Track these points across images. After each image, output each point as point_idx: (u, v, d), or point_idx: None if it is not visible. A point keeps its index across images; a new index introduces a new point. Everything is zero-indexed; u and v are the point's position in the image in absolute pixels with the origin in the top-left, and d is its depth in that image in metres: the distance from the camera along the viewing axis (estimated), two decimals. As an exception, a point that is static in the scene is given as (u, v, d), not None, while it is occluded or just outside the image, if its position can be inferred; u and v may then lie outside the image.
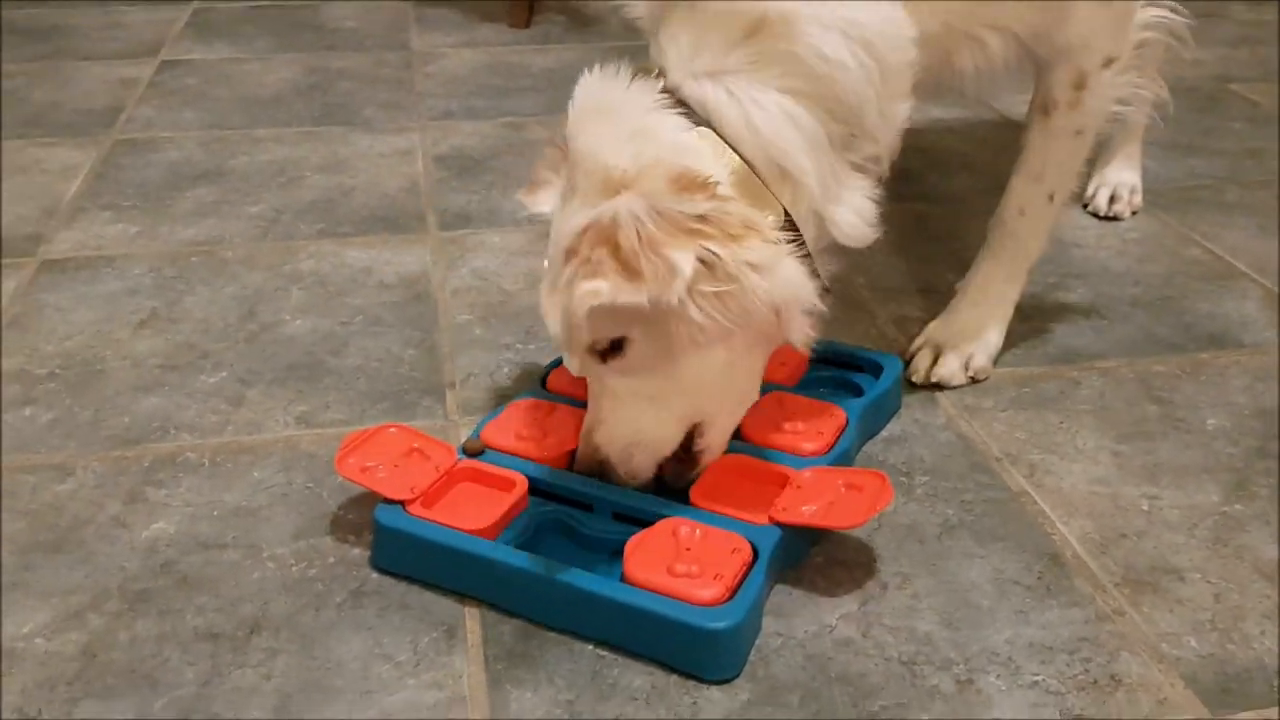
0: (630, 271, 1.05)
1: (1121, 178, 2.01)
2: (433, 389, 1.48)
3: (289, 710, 1.02)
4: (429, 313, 1.64)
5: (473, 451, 1.26)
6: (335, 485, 1.30)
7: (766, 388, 1.36)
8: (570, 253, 1.08)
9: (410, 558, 1.17)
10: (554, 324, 1.13)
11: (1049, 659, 1.07)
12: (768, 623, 1.11)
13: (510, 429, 1.30)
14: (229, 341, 1.59)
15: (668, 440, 1.20)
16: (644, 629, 1.06)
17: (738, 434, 1.28)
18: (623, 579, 1.09)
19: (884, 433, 1.40)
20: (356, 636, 1.10)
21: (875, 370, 1.44)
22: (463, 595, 1.14)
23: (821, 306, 1.16)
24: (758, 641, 1.09)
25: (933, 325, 1.56)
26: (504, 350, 1.57)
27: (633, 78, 1.18)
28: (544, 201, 1.25)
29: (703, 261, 1.06)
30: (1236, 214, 2.01)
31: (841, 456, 1.27)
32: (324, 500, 1.28)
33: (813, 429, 1.29)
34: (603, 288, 1.05)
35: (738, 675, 1.05)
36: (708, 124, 1.16)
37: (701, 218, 1.07)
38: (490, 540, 1.14)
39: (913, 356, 1.52)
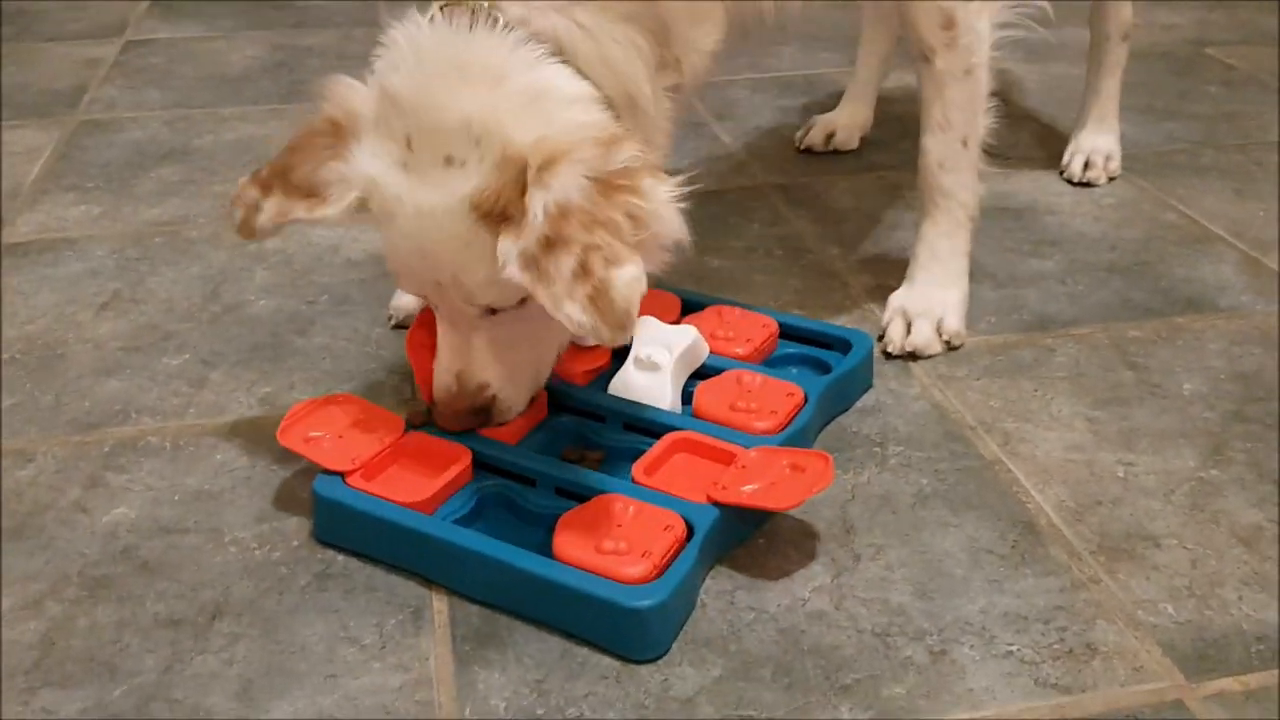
0: (640, 248, 1.02)
1: (1096, 144, 2.00)
2: (401, 367, 1.46)
3: (251, 695, 1.00)
4: (396, 291, 1.61)
5: (418, 422, 1.24)
6: (299, 468, 1.27)
7: (728, 364, 1.34)
8: (554, 240, 1.01)
9: (347, 530, 1.15)
10: (580, 316, 1.00)
11: (1024, 628, 1.06)
12: (740, 597, 1.10)
13: None
14: (192, 322, 1.56)
15: (549, 368, 1.25)
16: (569, 606, 1.04)
17: (691, 410, 1.29)
18: (552, 555, 1.07)
19: (858, 403, 1.38)
20: (321, 620, 1.08)
21: (844, 347, 1.42)
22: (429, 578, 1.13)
23: (689, 238, 1.11)
24: (729, 616, 1.07)
25: (895, 295, 1.53)
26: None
27: (471, 21, 1.10)
28: (338, 201, 1.14)
29: (629, 215, 1.03)
30: (1212, 178, 1.99)
31: (796, 436, 1.25)
32: (288, 483, 1.25)
33: (766, 407, 1.26)
34: (636, 273, 1.01)
35: (663, 655, 1.03)
36: (562, 58, 1.12)
37: (624, 171, 1.04)
38: (428, 514, 1.13)
39: (885, 329, 1.50)
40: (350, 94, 1.14)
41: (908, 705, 0.98)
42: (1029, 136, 2.17)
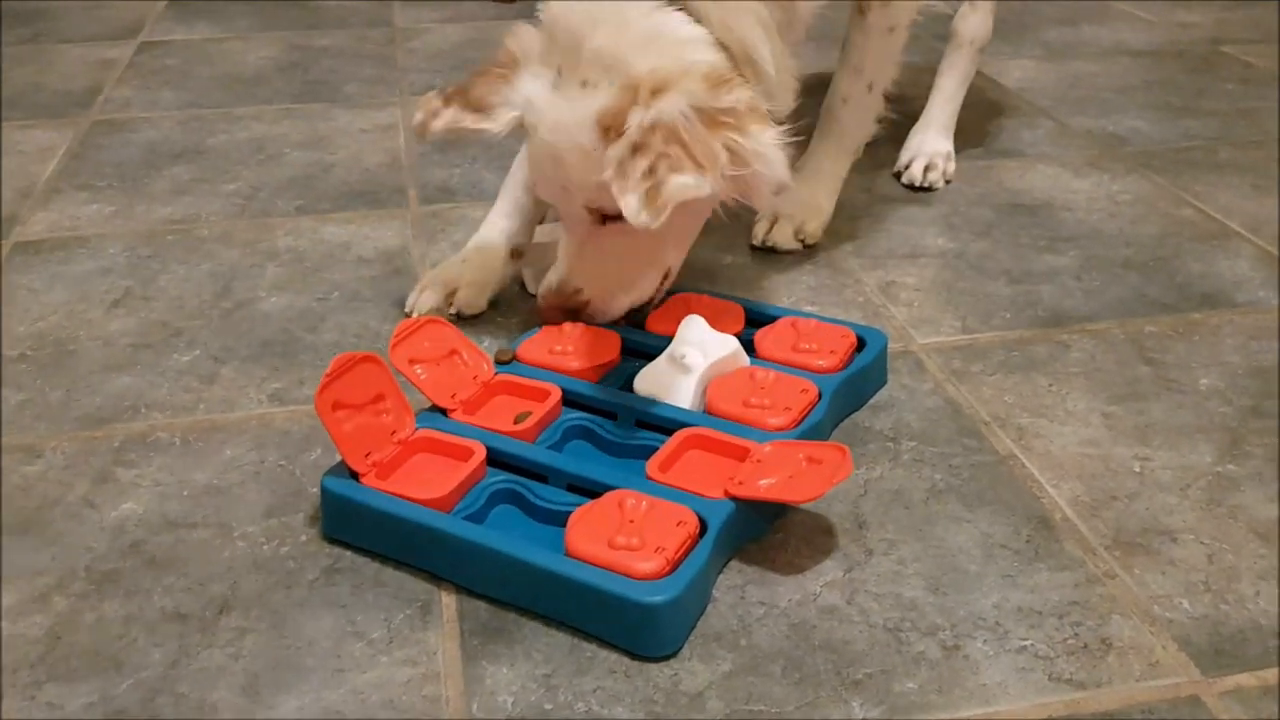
0: (701, 165, 1.19)
1: (937, 147, 1.98)
2: (411, 363, 1.45)
3: (257, 690, 0.99)
4: (408, 287, 1.60)
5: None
6: (308, 463, 1.27)
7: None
8: (639, 146, 1.19)
9: (356, 527, 1.14)
10: (634, 203, 1.17)
11: (1038, 623, 1.05)
12: (750, 591, 1.09)
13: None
14: (203, 319, 1.56)
15: (651, 290, 1.43)
16: (580, 602, 1.03)
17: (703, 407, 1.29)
18: (564, 551, 1.06)
19: (871, 399, 1.37)
20: (328, 614, 1.07)
21: (859, 344, 1.40)
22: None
23: (790, 184, 1.30)
24: (740, 611, 1.06)
25: None
26: (484, 324, 1.53)
27: None
28: (502, 116, 1.36)
29: (728, 149, 1.21)
30: (1229, 174, 1.97)
31: (810, 432, 1.23)
32: (297, 478, 1.25)
33: (780, 404, 1.25)
34: (691, 181, 1.17)
35: (676, 652, 1.02)
36: (682, 9, 1.31)
37: (728, 110, 1.22)
38: (446, 511, 1.12)
39: (754, 226, 1.73)
40: (524, 34, 1.38)
41: (920, 700, 0.97)
42: (1044, 134, 2.15)
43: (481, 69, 1.39)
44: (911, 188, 1.93)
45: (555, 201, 1.39)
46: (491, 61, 1.39)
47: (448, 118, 1.37)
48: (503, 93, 1.36)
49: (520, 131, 1.38)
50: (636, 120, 1.21)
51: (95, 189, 1.96)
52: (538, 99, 1.33)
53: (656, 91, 1.22)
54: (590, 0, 1.30)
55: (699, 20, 1.31)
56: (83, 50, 2.70)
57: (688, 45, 1.29)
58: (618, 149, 1.20)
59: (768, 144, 1.24)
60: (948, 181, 1.95)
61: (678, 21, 1.30)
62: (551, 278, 1.40)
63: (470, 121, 1.37)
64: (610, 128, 1.24)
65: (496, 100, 1.36)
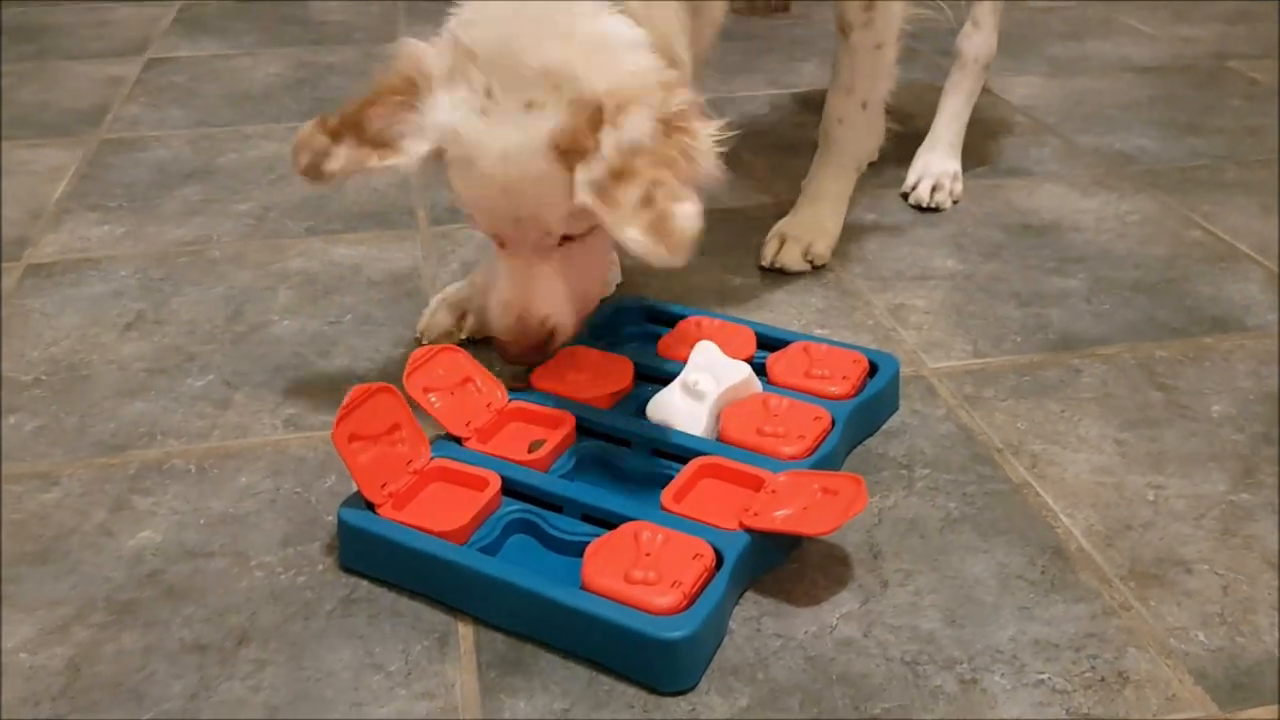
0: (691, 184, 1.17)
1: (944, 167, 1.98)
2: (424, 388, 1.46)
3: (278, 724, 1.00)
4: (419, 310, 1.61)
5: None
6: (323, 490, 1.27)
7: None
8: (623, 172, 1.15)
9: (372, 558, 1.15)
10: (642, 239, 1.14)
11: (1054, 656, 1.05)
12: (767, 623, 1.09)
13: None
14: (216, 343, 1.56)
15: (598, 299, 1.42)
16: (598, 637, 1.03)
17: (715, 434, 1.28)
18: (580, 584, 1.06)
19: (884, 425, 1.37)
20: (347, 646, 1.08)
21: (871, 369, 1.40)
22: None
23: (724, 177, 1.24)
24: (756, 643, 1.07)
25: (781, 221, 1.76)
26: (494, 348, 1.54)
27: None
28: (413, 148, 1.24)
29: (682, 153, 1.18)
30: (1237, 193, 1.98)
31: (824, 460, 1.24)
32: (313, 505, 1.25)
33: (794, 432, 1.25)
34: (695, 209, 1.15)
35: (694, 686, 1.02)
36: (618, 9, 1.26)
37: (681, 113, 1.19)
38: (460, 543, 1.12)
39: (764, 248, 1.73)
40: (421, 54, 1.26)
41: (938, 735, 0.98)
42: (1051, 152, 2.16)
43: (372, 96, 1.26)
44: (919, 208, 1.94)
45: (503, 234, 1.29)
46: (383, 86, 1.26)
47: (343, 158, 1.25)
48: (409, 121, 1.24)
49: (430, 164, 1.27)
50: (611, 142, 1.16)
51: (106, 209, 1.97)
52: (466, 127, 1.22)
53: (622, 107, 1.17)
54: (515, 9, 1.22)
55: (635, 20, 1.25)
56: (89, 67, 2.70)
57: (635, 51, 1.23)
58: (592, 173, 1.16)
59: (709, 142, 1.20)
60: (955, 202, 1.95)
61: (621, 25, 1.24)
62: (506, 319, 1.32)
63: (376, 160, 1.24)
64: (568, 150, 1.19)
65: (403, 131, 1.24)
